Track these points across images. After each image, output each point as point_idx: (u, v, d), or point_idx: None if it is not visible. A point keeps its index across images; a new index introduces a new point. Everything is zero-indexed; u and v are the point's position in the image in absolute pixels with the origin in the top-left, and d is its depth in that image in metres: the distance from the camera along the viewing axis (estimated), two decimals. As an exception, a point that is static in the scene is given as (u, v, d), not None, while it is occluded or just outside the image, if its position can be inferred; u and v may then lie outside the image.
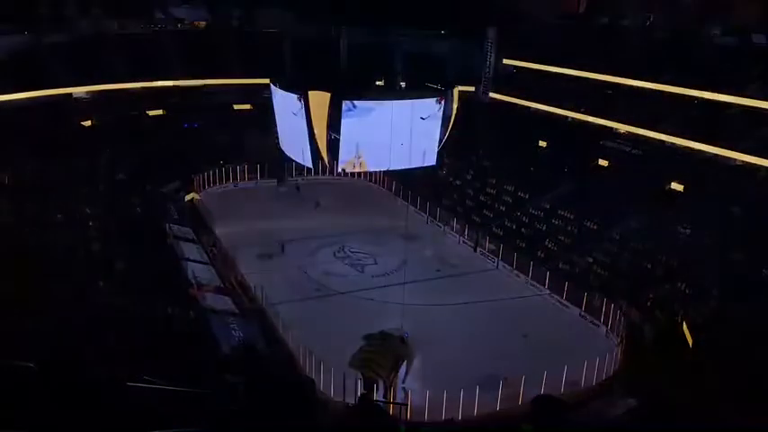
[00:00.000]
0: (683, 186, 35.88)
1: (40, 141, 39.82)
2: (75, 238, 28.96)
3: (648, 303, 28.99)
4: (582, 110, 44.86)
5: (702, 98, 37.69)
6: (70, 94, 49.53)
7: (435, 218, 42.98)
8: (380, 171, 21.09)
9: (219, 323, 25.84)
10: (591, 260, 33.62)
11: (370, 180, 49.77)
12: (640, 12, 46.17)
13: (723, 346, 23.98)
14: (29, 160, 35.95)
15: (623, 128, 41.98)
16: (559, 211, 38.40)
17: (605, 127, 43.01)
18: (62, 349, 12.02)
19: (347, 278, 34.17)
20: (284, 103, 21.49)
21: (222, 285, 30.77)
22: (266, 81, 23.58)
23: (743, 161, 34.54)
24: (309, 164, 20.59)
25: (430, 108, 20.59)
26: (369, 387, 22.54)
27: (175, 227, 37.23)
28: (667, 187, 36.32)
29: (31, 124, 41.96)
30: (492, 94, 52.77)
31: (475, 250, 38.51)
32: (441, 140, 21.61)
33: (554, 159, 43.28)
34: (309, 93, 19.75)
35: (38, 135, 40.96)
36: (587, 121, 44.12)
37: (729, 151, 35.22)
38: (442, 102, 20.85)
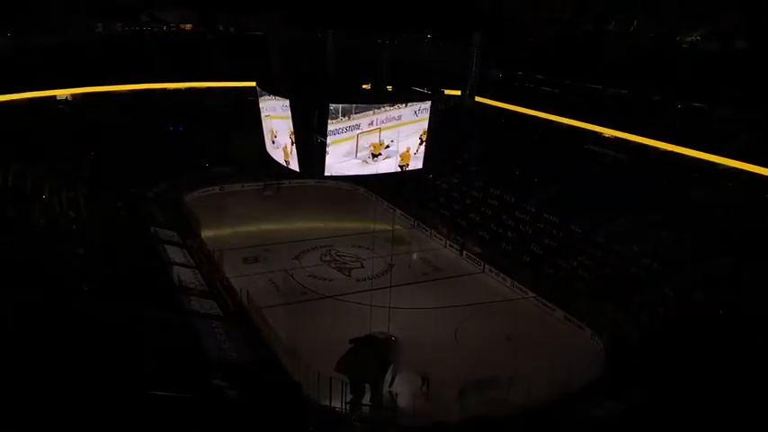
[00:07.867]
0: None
1: (24, 144, 39.39)
2: (59, 243, 28.62)
3: (633, 307, 29.18)
4: (566, 114, 45.13)
5: (686, 103, 38.07)
6: (54, 97, 49.10)
7: (421, 222, 43.07)
8: (366, 175, 20.97)
9: (205, 327, 25.67)
10: (576, 263, 33.83)
11: (356, 184, 49.71)
12: (625, 17, 46.53)
13: (708, 348, 24.20)
14: (12, 163, 35.49)
15: (607, 132, 42.26)
16: (545, 215, 38.59)
17: (590, 131, 43.28)
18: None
19: (333, 282, 34.18)
20: (270, 106, 21.46)
21: (208, 289, 30.59)
22: (252, 84, 23.43)
23: (726, 165, 34.83)
24: (296, 167, 20.52)
25: (416, 112, 20.64)
26: (355, 391, 22.55)
27: (161, 230, 36.99)
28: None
29: (14, 126, 41.52)
30: (477, 99, 52.93)
31: (461, 254, 38.65)
32: (427, 144, 21.60)
33: (539, 163, 43.56)
34: (295, 96, 19.66)
35: (21, 137, 40.54)
36: (572, 126, 44.39)
37: (713, 156, 35.51)
38: (428, 105, 20.85)
